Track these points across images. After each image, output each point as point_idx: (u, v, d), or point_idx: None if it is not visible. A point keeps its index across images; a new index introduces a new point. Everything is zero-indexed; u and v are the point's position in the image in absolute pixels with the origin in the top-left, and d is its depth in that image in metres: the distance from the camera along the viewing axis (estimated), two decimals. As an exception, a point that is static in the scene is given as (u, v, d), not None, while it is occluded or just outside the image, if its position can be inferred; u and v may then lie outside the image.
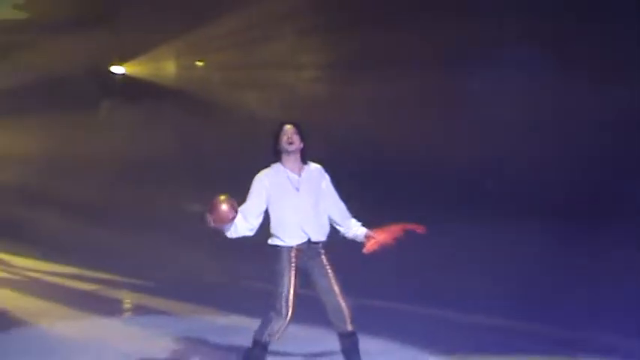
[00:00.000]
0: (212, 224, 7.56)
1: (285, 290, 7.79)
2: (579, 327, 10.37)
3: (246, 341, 8.80)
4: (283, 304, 7.79)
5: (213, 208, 7.51)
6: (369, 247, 7.86)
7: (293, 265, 7.85)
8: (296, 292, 7.82)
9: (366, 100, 19.32)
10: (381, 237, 7.86)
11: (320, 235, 7.93)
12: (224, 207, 7.52)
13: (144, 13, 20.87)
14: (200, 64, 23.25)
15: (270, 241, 7.94)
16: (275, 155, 8.00)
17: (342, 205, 8.07)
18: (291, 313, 7.79)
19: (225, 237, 7.84)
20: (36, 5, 22.64)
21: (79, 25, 20.82)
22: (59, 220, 17.35)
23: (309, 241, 7.88)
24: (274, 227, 7.90)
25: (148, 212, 16.70)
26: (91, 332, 10.41)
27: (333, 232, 8.07)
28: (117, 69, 23.38)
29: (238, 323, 10.07)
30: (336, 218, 8.04)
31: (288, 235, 7.86)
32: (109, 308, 11.82)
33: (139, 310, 12.04)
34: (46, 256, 15.34)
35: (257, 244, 7.97)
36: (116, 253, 14.89)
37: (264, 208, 7.89)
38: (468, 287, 12.44)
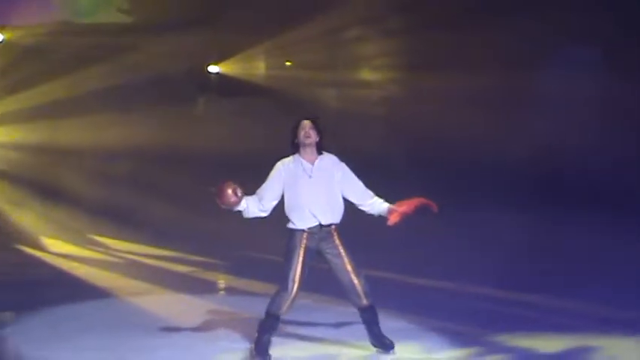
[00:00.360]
0: (220, 205, 8.04)
1: (293, 269, 8.04)
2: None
3: (328, 319, 9.23)
4: (289, 281, 8.04)
5: (219, 191, 7.94)
6: (392, 219, 8.13)
7: (303, 246, 8.08)
8: (303, 271, 8.05)
9: (441, 97, 19.45)
10: (401, 209, 8.12)
11: (331, 218, 8.12)
12: (228, 191, 7.93)
13: (238, 18, 21.14)
14: (288, 64, 23.65)
15: (287, 225, 8.18)
16: (292, 147, 8.26)
17: (360, 188, 8.24)
18: (296, 289, 8.03)
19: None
20: (139, 10, 22.91)
21: (179, 29, 21.03)
22: (161, 207, 17.46)
23: (320, 224, 8.10)
24: (288, 211, 8.15)
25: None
26: (183, 309, 10.54)
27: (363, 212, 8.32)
28: (213, 68, 23.89)
29: (320, 303, 10.20)
30: (357, 200, 8.22)
31: (300, 218, 8.10)
32: (204, 288, 11.83)
33: (231, 290, 12.02)
34: (147, 241, 15.38)
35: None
36: (211, 237, 15.01)
37: (278, 194, 8.15)
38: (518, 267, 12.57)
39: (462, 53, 19.34)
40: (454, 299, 10.78)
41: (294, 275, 8.06)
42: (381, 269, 11.98)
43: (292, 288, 8.06)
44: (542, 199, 17.22)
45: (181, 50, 21.71)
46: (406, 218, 8.13)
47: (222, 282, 12.71)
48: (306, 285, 8.08)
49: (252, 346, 8.28)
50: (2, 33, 22.37)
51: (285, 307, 8.13)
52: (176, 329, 9.36)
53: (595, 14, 18.02)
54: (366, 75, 22.22)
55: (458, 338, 8.82)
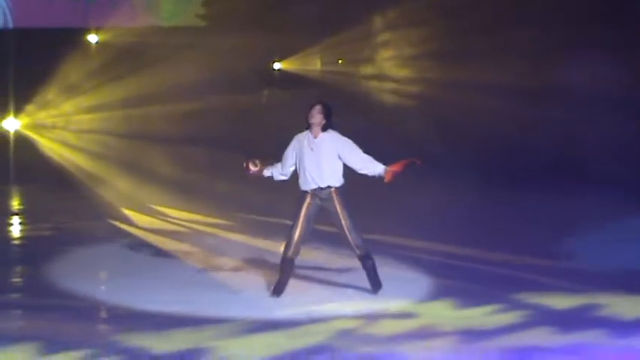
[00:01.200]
0: (247, 175, 8.99)
1: (297, 220, 8.73)
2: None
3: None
4: (294, 228, 8.74)
5: (244, 165, 8.95)
6: (388, 177, 8.67)
7: (306, 203, 8.73)
8: (305, 222, 8.71)
9: (476, 88, 19.34)
10: (393, 169, 8.65)
11: (328, 182, 8.68)
12: (249, 165, 8.95)
13: (298, 21, 21.20)
14: (340, 61, 23.70)
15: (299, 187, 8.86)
16: (307, 124, 8.83)
17: (359, 156, 8.71)
18: (298, 235, 8.71)
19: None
20: (213, 15, 23.06)
21: (247, 32, 21.17)
22: (224, 184, 17.43)
23: (319, 186, 8.71)
24: (299, 176, 8.84)
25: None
26: (248, 271, 10.67)
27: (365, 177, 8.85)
28: (276, 65, 24.02)
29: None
30: (357, 166, 8.73)
31: (304, 182, 8.78)
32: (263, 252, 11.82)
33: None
34: (213, 212, 15.33)
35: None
36: (270, 209, 14.87)
37: (293, 161, 8.86)
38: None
39: (493, 52, 19.17)
40: (478, 264, 10.72)
41: (297, 224, 8.73)
42: (413, 238, 12.07)
43: (295, 234, 8.73)
44: (564, 179, 17.06)
45: (250, 50, 21.78)
46: (399, 176, 8.66)
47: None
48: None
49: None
50: (97, 35, 22.69)
51: (291, 250, 8.77)
52: (244, 287, 9.51)
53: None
54: (404, 70, 22.22)
55: (481, 297, 8.84)
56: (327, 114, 8.78)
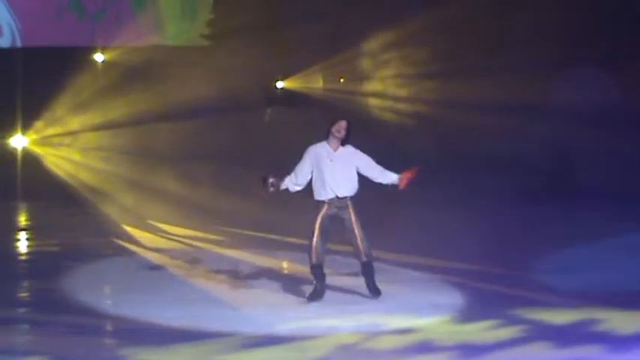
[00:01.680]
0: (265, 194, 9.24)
1: (315, 229, 9.11)
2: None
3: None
4: (312, 239, 9.11)
5: (262, 184, 9.20)
6: (403, 184, 9.19)
7: (323, 213, 9.11)
8: (322, 230, 9.08)
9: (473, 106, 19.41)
10: (406, 176, 9.18)
11: (345, 192, 9.08)
12: (268, 184, 9.16)
13: (299, 41, 21.30)
14: (342, 80, 23.81)
15: (314, 197, 9.18)
16: (326, 134, 9.19)
17: (373, 166, 9.20)
18: (316, 242, 9.08)
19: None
20: (217, 35, 23.18)
21: (251, 51, 21.30)
22: (227, 201, 17.48)
23: (337, 196, 9.08)
24: (314, 186, 9.16)
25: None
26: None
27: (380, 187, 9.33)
28: (279, 83, 24.12)
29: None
30: (374, 175, 9.21)
31: (322, 191, 9.12)
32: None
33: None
34: (216, 226, 15.37)
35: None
36: (273, 224, 14.92)
37: (308, 171, 9.18)
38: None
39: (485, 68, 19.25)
40: (476, 280, 10.71)
41: (315, 232, 9.11)
42: (410, 253, 12.07)
43: (314, 241, 9.10)
44: (554, 193, 17.09)
45: (253, 69, 21.90)
46: (412, 182, 9.19)
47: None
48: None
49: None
50: (103, 54, 22.79)
51: (314, 257, 9.13)
52: (245, 303, 9.56)
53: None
54: (401, 89, 22.38)
55: (480, 313, 8.86)
56: (349, 131, 9.19)
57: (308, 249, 9.18)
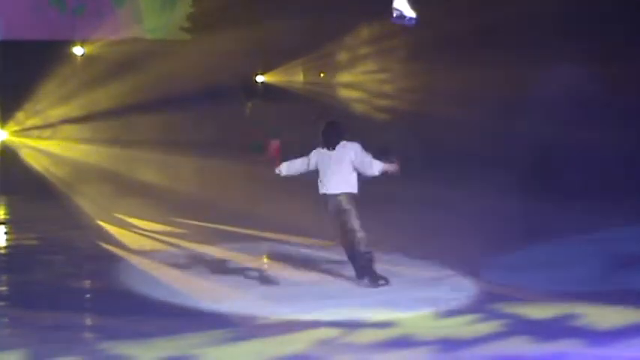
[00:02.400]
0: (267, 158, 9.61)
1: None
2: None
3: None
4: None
5: (269, 145, 9.25)
6: (391, 171, 9.76)
7: (326, 206, 9.70)
8: (334, 220, 9.64)
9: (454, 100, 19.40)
10: (392, 166, 9.75)
11: (342, 189, 9.66)
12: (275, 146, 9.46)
13: (282, 36, 21.17)
14: (322, 75, 23.74)
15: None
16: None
17: (365, 160, 9.69)
18: (336, 231, 9.73)
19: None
20: (198, 29, 23.07)
21: (232, 45, 21.19)
22: (204, 193, 17.37)
23: (330, 192, 9.65)
24: (319, 182, 9.78)
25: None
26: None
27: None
28: (259, 77, 24.01)
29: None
30: (363, 169, 9.70)
31: (323, 187, 9.75)
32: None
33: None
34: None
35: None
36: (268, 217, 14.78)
37: (304, 167, 9.94)
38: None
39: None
40: (457, 274, 10.66)
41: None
42: (391, 248, 11.99)
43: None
44: (535, 188, 17.08)
45: (234, 62, 21.79)
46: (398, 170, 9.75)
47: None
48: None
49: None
50: (83, 47, 22.63)
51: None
52: (226, 296, 9.48)
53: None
54: (383, 85, 22.33)
55: (461, 307, 8.85)
56: (341, 132, 9.87)
57: (360, 239, 9.55)
